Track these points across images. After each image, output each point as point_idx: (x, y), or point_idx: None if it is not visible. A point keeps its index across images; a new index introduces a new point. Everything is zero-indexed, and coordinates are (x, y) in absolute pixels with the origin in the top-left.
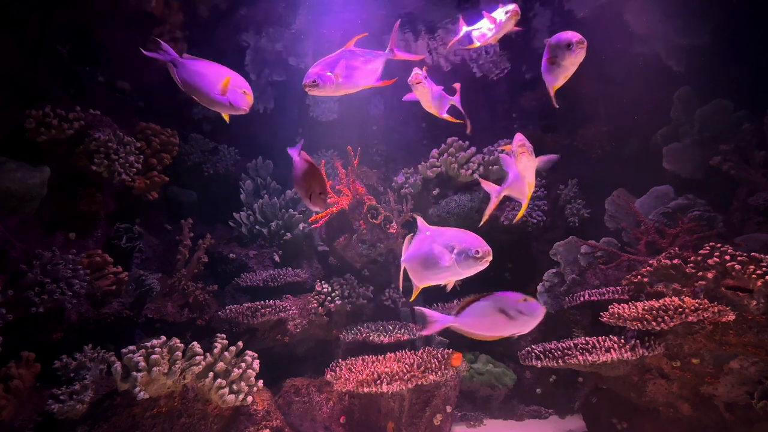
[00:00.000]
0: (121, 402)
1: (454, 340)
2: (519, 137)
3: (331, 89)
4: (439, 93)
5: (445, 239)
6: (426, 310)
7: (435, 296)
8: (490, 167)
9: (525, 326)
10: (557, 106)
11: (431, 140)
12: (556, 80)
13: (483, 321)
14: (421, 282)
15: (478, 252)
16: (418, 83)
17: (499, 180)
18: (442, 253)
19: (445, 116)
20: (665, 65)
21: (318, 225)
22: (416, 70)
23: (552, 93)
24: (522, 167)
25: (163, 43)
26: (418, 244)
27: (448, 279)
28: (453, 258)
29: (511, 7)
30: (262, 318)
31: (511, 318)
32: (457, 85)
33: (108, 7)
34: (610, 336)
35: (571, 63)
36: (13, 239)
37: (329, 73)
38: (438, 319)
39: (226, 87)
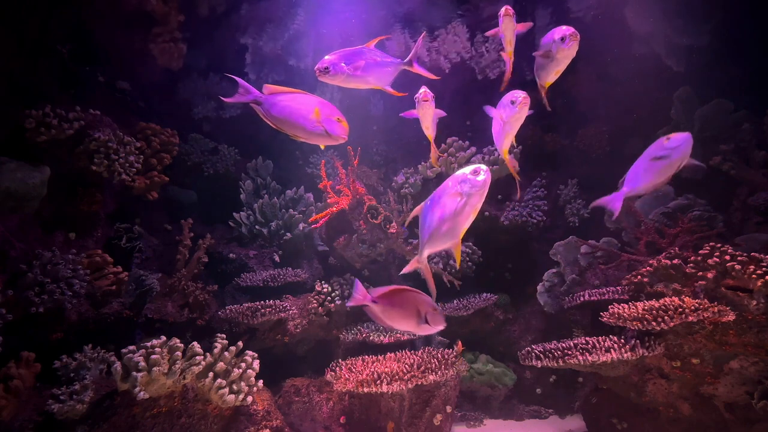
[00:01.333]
0: (121, 402)
1: (454, 340)
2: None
3: (341, 80)
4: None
5: (440, 189)
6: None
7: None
8: (490, 167)
9: (683, 156)
10: (549, 109)
11: None
12: (548, 76)
13: (649, 173)
14: (461, 233)
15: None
16: (426, 101)
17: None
18: (449, 190)
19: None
20: (665, 65)
21: (318, 225)
22: (426, 89)
23: (544, 90)
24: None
25: (241, 81)
26: (430, 213)
27: (477, 205)
28: (458, 187)
29: (503, 9)
30: (262, 318)
31: (668, 157)
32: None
33: (108, 7)
34: (610, 336)
35: (564, 56)
36: (13, 239)
37: (343, 65)
38: (613, 199)
39: (318, 117)
